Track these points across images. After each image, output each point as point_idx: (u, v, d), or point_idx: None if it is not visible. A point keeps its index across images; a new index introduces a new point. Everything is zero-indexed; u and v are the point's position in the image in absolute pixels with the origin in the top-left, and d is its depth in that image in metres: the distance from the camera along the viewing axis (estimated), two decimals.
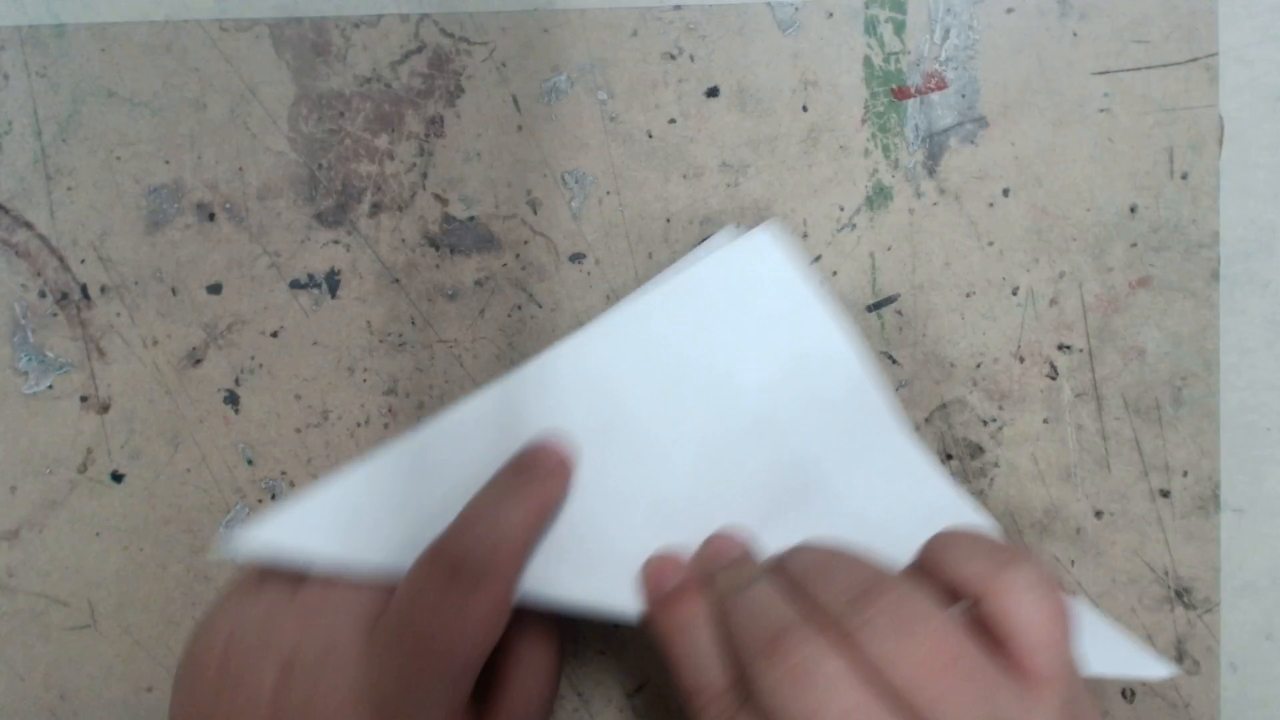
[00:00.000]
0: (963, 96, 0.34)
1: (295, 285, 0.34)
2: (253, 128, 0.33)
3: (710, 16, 0.33)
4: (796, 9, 0.34)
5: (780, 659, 0.20)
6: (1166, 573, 0.34)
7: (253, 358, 0.34)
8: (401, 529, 0.26)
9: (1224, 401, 0.34)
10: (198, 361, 0.33)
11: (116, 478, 0.33)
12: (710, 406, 0.29)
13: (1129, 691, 0.34)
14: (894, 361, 0.34)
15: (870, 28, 0.34)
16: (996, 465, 0.34)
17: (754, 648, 0.21)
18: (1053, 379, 0.34)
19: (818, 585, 0.22)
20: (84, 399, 0.33)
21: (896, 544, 0.24)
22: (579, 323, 0.34)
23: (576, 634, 0.34)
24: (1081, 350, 0.34)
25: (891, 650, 0.20)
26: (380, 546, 0.26)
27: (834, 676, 0.20)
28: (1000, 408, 0.34)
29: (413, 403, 0.34)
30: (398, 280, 0.34)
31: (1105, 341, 0.34)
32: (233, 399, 0.34)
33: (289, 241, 0.33)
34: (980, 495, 0.34)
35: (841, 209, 0.34)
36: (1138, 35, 0.34)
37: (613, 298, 0.34)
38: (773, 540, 0.27)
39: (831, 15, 0.34)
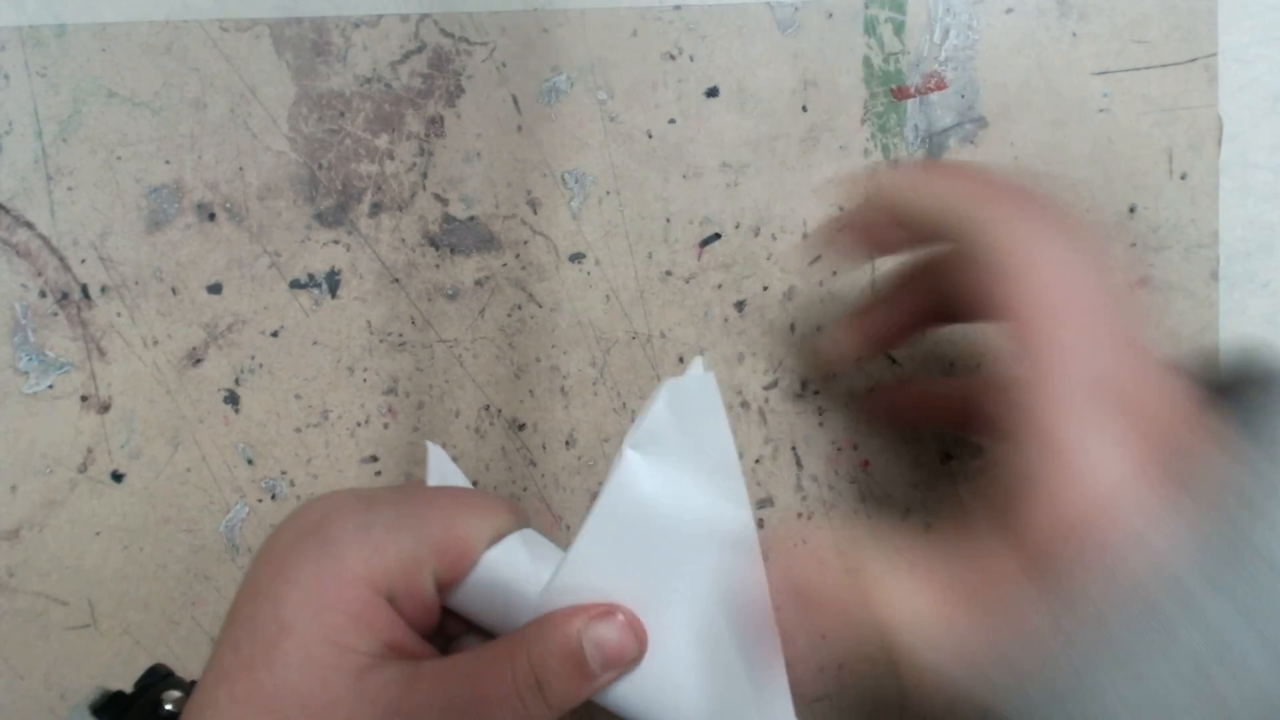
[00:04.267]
0: (962, 97, 0.34)
1: (295, 285, 0.34)
2: (253, 127, 0.33)
3: (710, 16, 0.34)
4: (796, 9, 0.34)
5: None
6: None
7: (253, 357, 0.34)
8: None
9: None
10: (198, 361, 0.34)
11: (117, 477, 0.33)
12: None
13: None
14: (894, 361, 0.34)
15: (870, 28, 0.34)
16: (997, 465, 0.34)
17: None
18: None
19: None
20: (84, 399, 0.33)
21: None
22: (579, 323, 0.34)
23: None
24: None
25: None
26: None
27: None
28: None
29: (413, 402, 0.34)
30: (398, 280, 0.34)
31: None
32: (233, 399, 0.34)
33: (289, 241, 0.33)
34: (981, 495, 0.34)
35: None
36: (1137, 35, 0.34)
37: (613, 298, 0.34)
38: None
39: (831, 15, 0.34)
